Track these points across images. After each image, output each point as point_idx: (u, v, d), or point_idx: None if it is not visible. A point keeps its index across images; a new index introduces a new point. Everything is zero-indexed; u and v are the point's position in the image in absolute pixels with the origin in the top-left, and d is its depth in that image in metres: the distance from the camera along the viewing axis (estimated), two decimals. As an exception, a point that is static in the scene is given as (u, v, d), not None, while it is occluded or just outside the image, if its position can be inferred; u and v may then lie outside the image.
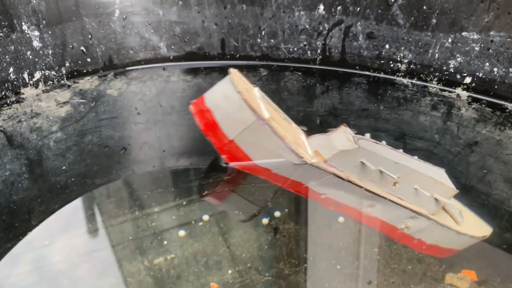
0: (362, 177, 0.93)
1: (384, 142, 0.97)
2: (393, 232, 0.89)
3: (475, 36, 1.50)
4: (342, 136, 0.99)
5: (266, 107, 1.08)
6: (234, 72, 1.10)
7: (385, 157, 0.90)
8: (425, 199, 0.87)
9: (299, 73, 1.73)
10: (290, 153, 1.04)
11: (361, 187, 0.93)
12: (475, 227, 0.86)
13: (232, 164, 1.12)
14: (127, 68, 1.75)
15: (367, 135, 0.99)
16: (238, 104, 1.03)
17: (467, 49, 1.53)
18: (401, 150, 0.95)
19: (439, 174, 0.91)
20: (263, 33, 1.77)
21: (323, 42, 1.74)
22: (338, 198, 0.97)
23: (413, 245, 0.86)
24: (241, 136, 1.06)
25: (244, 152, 1.09)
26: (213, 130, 1.08)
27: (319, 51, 1.75)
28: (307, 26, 1.73)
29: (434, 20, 1.56)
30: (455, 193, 0.88)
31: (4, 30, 1.44)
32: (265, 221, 0.98)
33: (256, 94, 1.13)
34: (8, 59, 1.46)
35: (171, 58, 1.80)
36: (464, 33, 1.52)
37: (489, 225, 0.87)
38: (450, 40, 1.55)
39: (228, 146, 1.08)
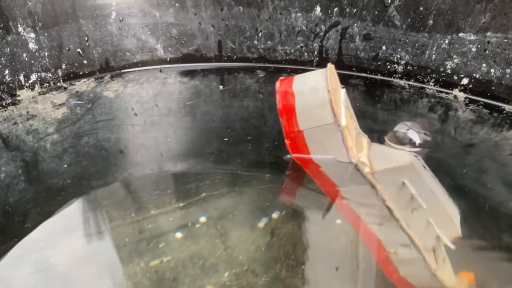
0: (393, 195, 0.93)
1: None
2: (379, 253, 0.89)
3: (472, 37, 1.50)
4: (401, 154, 0.98)
5: (345, 113, 1.09)
6: (330, 69, 1.10)
7: (426, 184, 0.90)
8: (429, 234, 0.87)
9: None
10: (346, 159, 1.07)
11: (387, 205, 0.93)
12: (448, 276, 0.86)
13: (293, 156, 1.14)
14: (123, 70, 1.75)
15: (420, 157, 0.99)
16: (323, 102, 1.04)
17: (464, 50, 1.53)
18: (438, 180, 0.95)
19: (454, 213, 0.91)
20: (260, 34, 1.77)
21: (320, 43, 1.74)
22: (356, 207, 0.97)
23: (387, 271, 0.86)
24: (311, 131, 1.07)
25: (306, 145, 1.11)
26: (288, 114, 1.09)
27: (316, 52, 1.75)
28: (304, 28, 1.73)
29: (430, 21, 1.56)
30: (458, 236, 0.87)
31: None
32: (262, 223, 0.98)
33: (342, 96, 1.13)
34: (3, 61, 1.46)
35: (168, 60, 1.80)
36: (460, 34, 1.52)
37: (455, 277, 0.87)
38: (447, 41, 1.55)
39: (296, 134, 1.10)
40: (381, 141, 1.27)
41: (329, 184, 1.08)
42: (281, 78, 1.14)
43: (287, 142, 1.13)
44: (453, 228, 0.87)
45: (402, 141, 1.24)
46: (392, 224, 0.90)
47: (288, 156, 1.15)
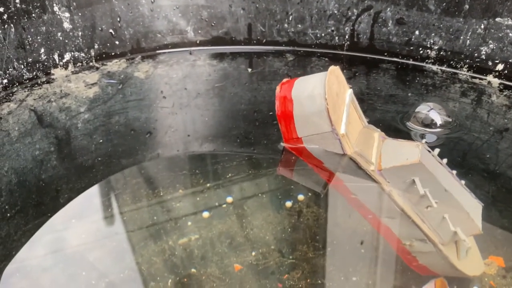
0: (403, 193, 0.91)
1: (445, 160, 0.95)
2: (395, 243, 0.89)
3: (510, 22, 1.46)
4: (412, 151, 0.95)
5: (349, 117, 1.06)
6: (332, 72, 1.06)
7: (439, 181, 0.87)
8: (445, 229, 0.86)
9: (326, 59, 1.71)
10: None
11: (396, 202, 0.91)
12: (473, 266, 0.85)
13: (287, 146, 1.12)
14: (154, 52, 1.76)
15: (436, 151, 0.96)
16: (320, 110, 1.01)
17: (500, 35, 1.49)
18: (454, 172, 0.93)
19: (475, 209, 0.88)
20: (290, 18, 1.75)
21: (351, 27, 1.71)
22: (366, 202, 0.96)
23: (406, 259, 0.86)
24: (309, 137, 1.06)
25: (306, 149, 1.09)
26: (287, 120, 1.07)
27: (347, 36, 1.73)
28: (336, 12, 1.71)
29: (466, 6, 1.52)
30: (478, 233, 0.85)
31: (36, 11, 1.46)
32: (288, 204, 0.98)
33: (347, 98, 1.10)
34: (39, 40, 1.49)
35: (197, 42, 1.80)
36: (498, 19, 1.48)
37: (483, 265, 0.86)
38: (482, 26, 1.51)
39: (295, 140, 1.09)
40: (403, 123, 1.26)
41: (337, 180, 1.07)
42: (283, 81, 1.11)
43: (286, 145, 1.12)
44: (471, 224, 0.85)
45: (424, 121, 1.23)
46: (405, 219, 0.89)
47: (282, 144, 1.13)
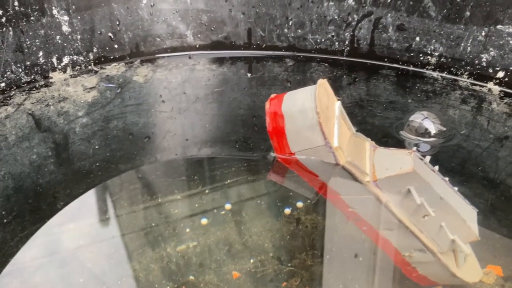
0: (400, 203, 0.91)
1: (437, 167, 0.95)
2: (394, 255, 0.88)
3: (511, 30, 1.46)
4: (404, 159, 0.95)
5: (339, 127, 1.05)
6: (321, 85, 1.05)
7: (433, 190, 0.87)
8: (443, 238, 0.85)
9: (326, 64, 1.71)
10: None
11: (394, 213, 0.91)
12: (471, 272, 0.85)
13: (279, 158, 1.11)
14: (153, 56, 1.76)
15: (427, 158, 0.96)
16: (312, 124, 1.00)
17: (501, 42, 1.48)
18: (447, 179, 0.92)
19: (470, 215, 0.88)
20: (290, 23, 1.75)
21: (351, 33, 1.71)
22: (363, 215, 0.96)
23: (406, 270, 0.86)
24: (303, 152, 1.05)
25: (300, 162, 1.08)
26: (279, 137, 1.06)
27: (347, 42, 1.73)
28: (336, 17, 1.71)
29: (467, 13, 1.52)
30: (475, 239, 0.85)
31: (35, 14, 1.46)
32: (287, 211, 0.98)
33: (336, 110, 1.09)
34: (38, 43, 1.49)
35: (197, 46, 1.80)
36: (499, 26, 1.48)
37: (481, 271, 0.86)
38: (483, 34, 1.51)
39: (288, 155, 1.07)
40: (397, 131, 1.26)
41: (333, 194, 1.06)
42: (271, 96, 1.10)
43: (278, 156, 1.10)
44: (468, 231, 0.85)
45: (418, 130, 1.23)
46: (403, 230, 0.89)
47: (272, 154, 1.11)
